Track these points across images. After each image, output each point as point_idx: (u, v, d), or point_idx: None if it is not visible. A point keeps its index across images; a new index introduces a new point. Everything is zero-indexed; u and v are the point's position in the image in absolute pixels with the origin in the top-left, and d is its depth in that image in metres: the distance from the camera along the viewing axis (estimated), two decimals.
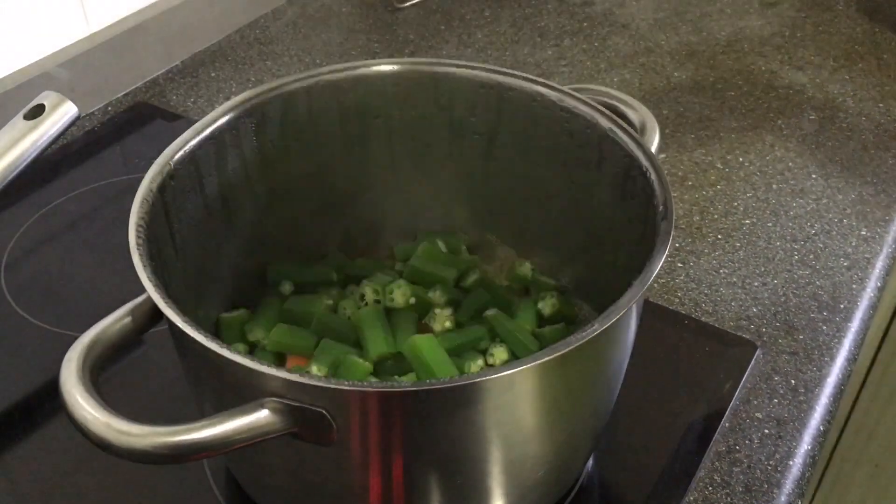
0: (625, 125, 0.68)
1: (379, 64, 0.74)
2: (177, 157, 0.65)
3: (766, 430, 0.74)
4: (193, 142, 0.66)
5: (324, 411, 0.50)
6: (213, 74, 1.19)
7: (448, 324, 0.71)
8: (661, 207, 0.60)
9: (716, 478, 0.71)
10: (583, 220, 0.75)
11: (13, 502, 0.68)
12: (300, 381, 0.48)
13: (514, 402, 0.53)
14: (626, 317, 0.55)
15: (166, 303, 0.53)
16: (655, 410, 0.75)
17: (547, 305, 0.75)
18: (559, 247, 0.78)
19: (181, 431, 0.49)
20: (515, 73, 0.73)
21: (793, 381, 0.79)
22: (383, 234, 0.83)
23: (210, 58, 1.23)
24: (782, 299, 0.87)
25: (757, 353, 0.80)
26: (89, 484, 0.69)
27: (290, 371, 0.49)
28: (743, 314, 0.85)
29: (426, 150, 0.78)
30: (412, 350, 0.67)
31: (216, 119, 0.68)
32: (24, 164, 0.79)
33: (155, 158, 0.64)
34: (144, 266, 0.55)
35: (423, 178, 0.80)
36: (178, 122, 1.10)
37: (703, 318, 0.84)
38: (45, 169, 1.00)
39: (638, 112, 0.72)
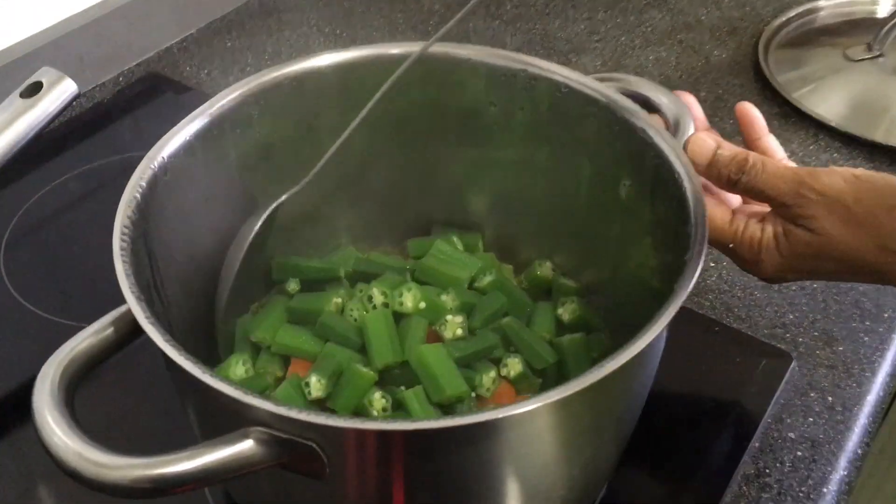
0: (658, 125, 0.62)
1: (391, 47, 0.69)
2: (170, 149, 0.60)
3: (799, 453, 0.69)
4: (188, 132, 0.62)
5: (314, 445, 0.46)
6: (228, 45, 1.14)
7: (459, 331, 0.66)
8: (692, 221, 0.55)
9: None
10: (608, 220, 0.69)
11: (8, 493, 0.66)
12: (286, 415, 0.44)
13: (526, 439, 0.48)
14: (654, 342, 0.50)
15: (149, 320, 0.48)
16: (679, 427, 0.70)
17: (567, 311, 0.71)
18: (582, 247, 0.73)
19: (159, 464, 0.45)
20: (538, 63, 0.67)
21: (830, 398, 0.73)
22: (397, 226, 0.78)
23: (226, 27, 1.18)
24: (821, 306, 0.81)
25: (792, 365, 0.75)
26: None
27: (275, 402, 0.45)
28: (778, 321, 0.79)
29: (441, 140, 0.73)
30: (419, 360, 0.62)
31: (215, 106, 0.64)
32: (20, 145, 0.75)
33: (165, 134, 0.60)
34: (128, 275, 0.51)
35: (438, 169, 0.75)
36: (190, 94, 1.05)
37: (734, 325, 0.79)
38: (49, 144, 0.96)
39: (673, 106, 0.66)
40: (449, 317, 0.66)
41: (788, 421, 0.72)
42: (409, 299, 0.67)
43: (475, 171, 0.75)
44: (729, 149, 0.62)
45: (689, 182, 0.57)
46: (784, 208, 0.60)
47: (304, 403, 0.62)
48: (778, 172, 0.60)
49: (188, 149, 0.61)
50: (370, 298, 0.68)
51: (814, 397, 0.73)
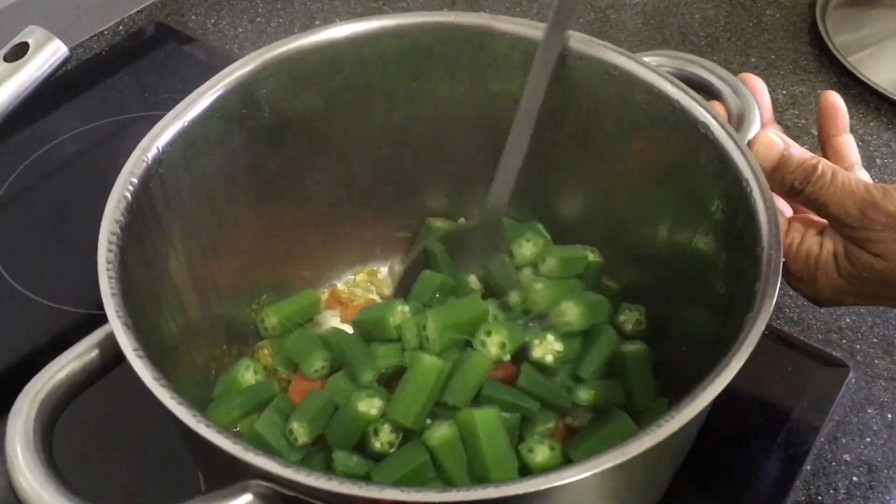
0: (721, 119, 0.54)
1: (408, 17, 0.61)
2: (166, 137, 0.53)
3: (855, 478, 0.63)
4: (187, 117, 0.54)
5: None
6: None
7: (550, 358, 0.59)
8: (763, 245, 0.48)
9: None
10: (657, 217, 0.62)
11: None
12: (290, 478, 0.38)
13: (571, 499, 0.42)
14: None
15: (137, 353, 0.42)
16: (726, 447, 0.64)
17: (629, 321, 0.64)
18: (624, 244, 0.66)
19: None
20: (585, 48, 0.59)
21: (889, 416, 0.67)
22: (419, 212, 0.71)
23: None
24: (881, 309, 0.74)
25: (849, 376, 0.68)
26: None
27: (277, 460, 0.39)
28: (833, 325, 0.72)
29: (468, 125, 0.65)
30: (466, 425, 0.52)
31: (217, 85, 0.56)
32: (4, 114, 0.68)
33: (170, 90, 0.53)
34: (114, 294, 0.45)
35: (463, 158, 0.67)
36: (195, 45, 0.97)
37: (785, 328, 0.72)
38: (40, 102, 0.88)
39: (737, 97, 0.58)
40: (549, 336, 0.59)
41: (843, 441, 0.65)
42: (493, 345, 0.56)
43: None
44: (798, 152, 0.54)
45: (761, 194, 0.49)
46: (847, 229, 0.53)
47: (287, 447, 0.55)
48: (847, 188, 0.52)
49: (186, 136, 0.54)
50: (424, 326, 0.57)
51: (871, 414, 0.67)
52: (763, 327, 0.45)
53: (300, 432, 0.54)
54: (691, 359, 0.59)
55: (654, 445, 0.39)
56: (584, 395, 0.58)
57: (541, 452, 0.54)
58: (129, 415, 0.59)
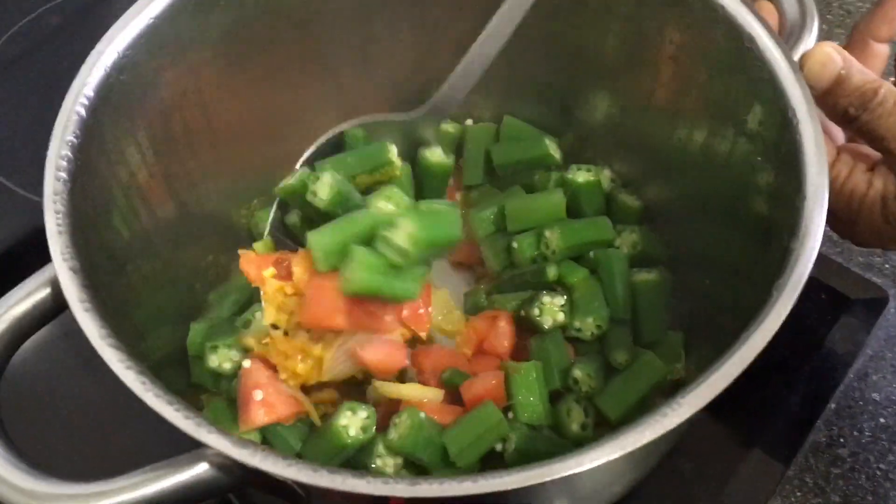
0: (770, 31, 0.46)
1: None
2: (127, 37, 0.46)
3: (883, 420, 0.59)
4: (151, 14, 0.47)
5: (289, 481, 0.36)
6: None
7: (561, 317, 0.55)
8: (804, 195, 0.41)
9: (807, 480, 0.56)
10: (689, 129, 0.55)
11: None
12: (252, 466, 0.34)
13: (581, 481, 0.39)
14: None
15: (84, 307, 0.38)
16: (746, 379, 0.59)
17: (626, 243, 0.58)
18: (649, 157, 0.60)
19: (96, 496, 0.36)
20: None
21: None
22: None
23: None
24: None
25: (888, 306, 0.63)
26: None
27: (230, 439, 0.35)
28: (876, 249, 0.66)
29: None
30: None
31: None
32: None
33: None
34: (61, 232, 0.40)
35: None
36: None
37: (822, 248, 0.66)
38: None
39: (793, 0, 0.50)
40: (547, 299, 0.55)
41: (874, 378, 0.60)
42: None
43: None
44: (859, 72, 0.46)
45: (813, 133, 0.42)
46: None
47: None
48: None
49: (153, 36, 0.47)
50: None
51: None
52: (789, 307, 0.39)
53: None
54: (716, 289, 0.54)
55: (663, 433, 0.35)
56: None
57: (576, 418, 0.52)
58: (83, 368, 0.55)
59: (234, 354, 0.52)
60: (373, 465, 0.49)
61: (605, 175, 0.61)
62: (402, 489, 0.33)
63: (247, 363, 0.50)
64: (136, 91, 0.47)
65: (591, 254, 0.57)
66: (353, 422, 0.48)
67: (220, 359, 0.52)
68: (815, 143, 0.42)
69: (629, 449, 0.34)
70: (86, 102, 0.44)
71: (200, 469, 0.36)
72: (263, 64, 0.55)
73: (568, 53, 0.59)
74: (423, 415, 0.49)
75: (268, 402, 0.49)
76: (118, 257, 0.45)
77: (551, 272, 0.56)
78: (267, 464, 0.34)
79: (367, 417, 0.49)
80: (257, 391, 0.49)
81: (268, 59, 0.55)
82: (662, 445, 0.44)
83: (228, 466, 0.36)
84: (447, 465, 0.48)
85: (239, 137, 0.57)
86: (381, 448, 0.49)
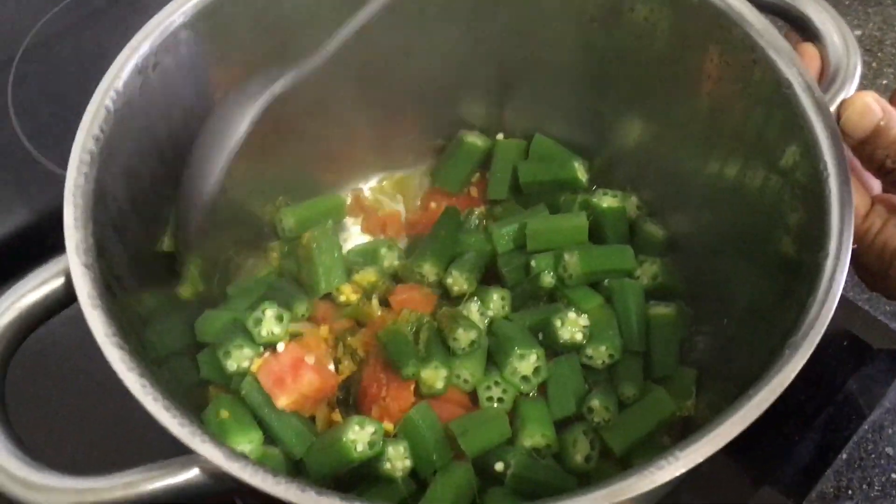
0: (809, 80, 0.45)
1: None
2: (158, 34, 0.46)
3: (895, 475, 0.58)
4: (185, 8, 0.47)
5: None
6: None
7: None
8: (830, 246, 0.40)
9: None
10: (719, 161, 0.54)
11: None
12: (244, 481, 0.35)
13: None
14: None
15: (93, 304, 0.38)
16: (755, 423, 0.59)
17: (646, 275, 0.57)
18: (675, 187, 0.58)
19: (92, 492, 0.36)
20: None
21: None
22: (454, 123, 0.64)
23: None
24: None
25: None
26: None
27: (223, 451, 0.35)
28: None
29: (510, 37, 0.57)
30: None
31: None
32: None
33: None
34: (78, 227, 0.40)
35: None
36: None
37: (849, 294, 0.64)
38: None
39: (839, 41, 0.48)
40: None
41: (890, 432, 0.59)
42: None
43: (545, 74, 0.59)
44: None
45: (837, 192, 0.41)
46: None
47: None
48: None
49: (179, 34, 0.47)
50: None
51: None
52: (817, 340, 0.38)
53: None
54: (734, 330, 0.53)
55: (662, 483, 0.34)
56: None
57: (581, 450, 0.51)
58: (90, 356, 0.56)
59: (248, 353, 0.53)
60: (384, 468, 0.49)
61: (632, 202, 0.60)
62: None
63: (281, 346, 0.52)
64: (164, 88, 0.47)
65: (606, 282, 0.56)
66: (360, 437, 0.48)
67: (237, 360, 0.52)
68: (844, 204, 0.41)
69: (618, 499, 0.33)
70: (115, 97, 0.44)
71: (192, 474, 0.37)
72: None
73: (606, 75, 0.58)
74: (431, 412, 0.50)
75: (318, 367, 0.51)
76: (136, 251, 0.46)
77: (546, 279, 0.55)
78: (256, 479, 0.34)
79: (375, 433, 0.49)
80: (308, 356, 0.51)
81: None
82: (660, 490, 0.43)
83: (220, 475, 0.36)
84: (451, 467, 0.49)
85: (268, 135, 0.57)
86: (390, 452, 0.49)
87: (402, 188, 0.65)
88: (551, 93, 0.60)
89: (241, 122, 0.49)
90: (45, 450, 0.38)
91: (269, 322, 0.53)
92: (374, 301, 0.57)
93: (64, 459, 0.37)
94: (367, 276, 0.58)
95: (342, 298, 0.57)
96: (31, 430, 0.40)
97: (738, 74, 0.48)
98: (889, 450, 0.58)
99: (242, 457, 0.35)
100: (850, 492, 0.57)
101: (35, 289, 0.41)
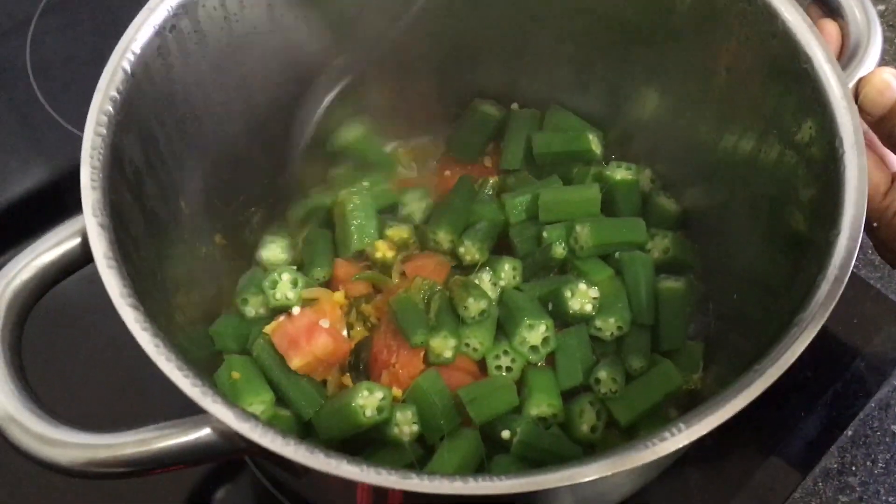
0: (828, 55, 0.44)
1: None
2: None
3: None
4: None
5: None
6: None
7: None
8: (843, 224, 0.40)
9: None
10: (738, 137, 0.54)
11: None
12: (255, 441, 0.35)
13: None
14: None
15: (109, 264, 0.39)
16: (765, 398, 0.58)
17: (658, 248, 0.57)
18: (693, 160, 0.58)
19: (105, 448, 0.37)
20: None
21: None
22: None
23: None
24: None
25: None
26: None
27: (234, 411, 0.36)
28: None
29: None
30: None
31: None
32: None
33: None
34: (94, 188, 0.41)
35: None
36: None
37: (862, 272, 0.64)
38: None
39: (861, 16, 0.48)
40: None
41: None
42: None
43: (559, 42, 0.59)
44: None
45: (852, 149, 0.41)
46: None
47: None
48: None
49: None
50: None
51: None
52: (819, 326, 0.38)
53: None
54: (744, 305, 0.53)
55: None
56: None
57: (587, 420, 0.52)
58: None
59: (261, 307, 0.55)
60: (392, 433, 0.50)
61: (646, 175, 0.60)
62: (394, 481, 0.34)
63: (296, 310, 0.53)
64: (182, 53, 0.47)
65: (617, 254, 0.56)
66: (369, 402, 0.49)
67: (254, 306, 0.55)
68: (858, 181, 0.41)
69: (621, 469, 0.34)
70: (132, 59, 0.44)
71: (203, 433, 0.37)
72: None
73: (624, 42, 0.57)
74: (439, 379, 0.51)
75: (332, 331, 0.52)
76: (152, 213, 0.46)
77: (557, 250, 0.56)
78: (266, 440, 0.35)
79: (383, 399, 0.50)
80: (323, 320, 0.52)
81: None
82: (664, 460, 0.44)
83: (230, 435, 0.37)
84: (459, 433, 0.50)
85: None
86: (398, 417, 0.50)
87: (416, 156, 0.65)
88: (568, 63, 0.60)
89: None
90: (61, 406, 0.39)
91: (285, 286, 0.54)
92: (397, 265, 0.57)
93: (79, 416, 0.38)
94: (400, 231, 0.58)
95: (378, 255, 0.57)
96: (47, 386, 0.41)
97: (758, 47, 0.48)
98: (895, 427, 0.59)
99: (253, 417, 0.36)
100: (853, 468, 0.57)
101: (52, 248, 0.41)
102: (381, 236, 0.58)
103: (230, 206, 0.57)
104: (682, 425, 0.35)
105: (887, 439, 0.58)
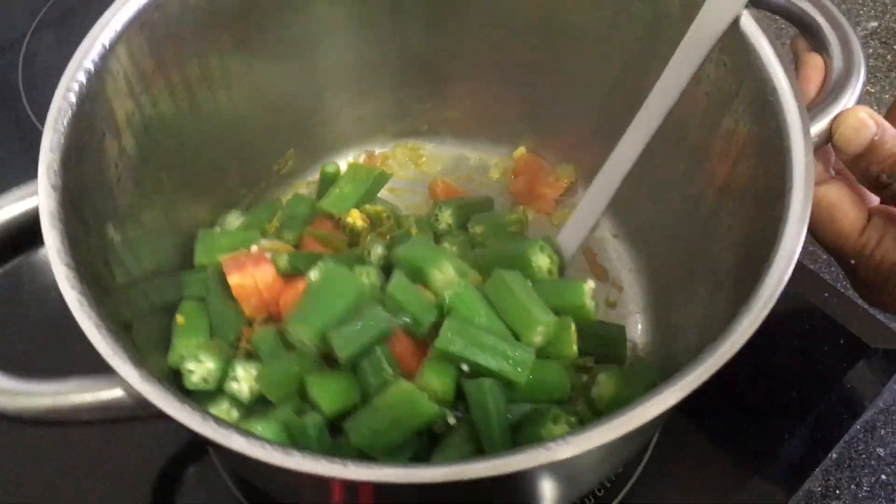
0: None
1: None
2: None
3: (884, 477, 0.56)
4: None
5: None
6: None
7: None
8: (777, 253, 0.40)
9: None
10: (674, 159, 0.54)
11: None
12: (170, 414, 0.35)
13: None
14: None
15: (52, 223, 0.39)
16: (748, 418, 0.57)
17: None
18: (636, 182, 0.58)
19: (23, 395, 0.37)
20: None
21: None
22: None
23: None
24: None
25: None
26: None
27: (139, 372, 0.36)
28: None
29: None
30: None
31: None
32: None
33: None
34: (53, 150, 0.41)
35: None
36: None
37: (849, 293, 0.63)
38: None
39: (845, 54, 0.48)
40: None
41: (882, 433, 0.57)
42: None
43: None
44: (892, 138, 0.44)
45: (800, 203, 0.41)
46: None
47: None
48: None
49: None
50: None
51: None
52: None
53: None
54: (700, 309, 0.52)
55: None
56: None
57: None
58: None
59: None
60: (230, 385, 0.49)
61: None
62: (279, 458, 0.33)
63: (254, 248, 0.54)
64: (163, 29, 0.48)
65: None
66: (198, 370, 0.49)
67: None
68: (800, 218, 0.40)
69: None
70: (112, 36, 0.45)
71: (117, 394, 0.37)
72: None
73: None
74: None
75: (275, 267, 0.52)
76: (115, 183, 0.46)
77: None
78: (163, 403, 0.35)
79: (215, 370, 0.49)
80: (269, 254, 0.53)
81: None
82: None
83: (140, 397, 0.36)
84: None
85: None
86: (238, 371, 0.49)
87: (415, 154, 0.66)
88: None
89: None
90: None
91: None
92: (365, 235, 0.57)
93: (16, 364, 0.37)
94: (376, 208, 0.59)
95: (349, 221, 0.57)
96: None
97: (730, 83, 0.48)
98: (880, 450, 0.57)
99: (155, 381, 0.35)
100: (837, 491, 0.55)
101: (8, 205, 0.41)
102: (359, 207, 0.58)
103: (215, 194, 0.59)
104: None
105: (872, 462, 0.56)
